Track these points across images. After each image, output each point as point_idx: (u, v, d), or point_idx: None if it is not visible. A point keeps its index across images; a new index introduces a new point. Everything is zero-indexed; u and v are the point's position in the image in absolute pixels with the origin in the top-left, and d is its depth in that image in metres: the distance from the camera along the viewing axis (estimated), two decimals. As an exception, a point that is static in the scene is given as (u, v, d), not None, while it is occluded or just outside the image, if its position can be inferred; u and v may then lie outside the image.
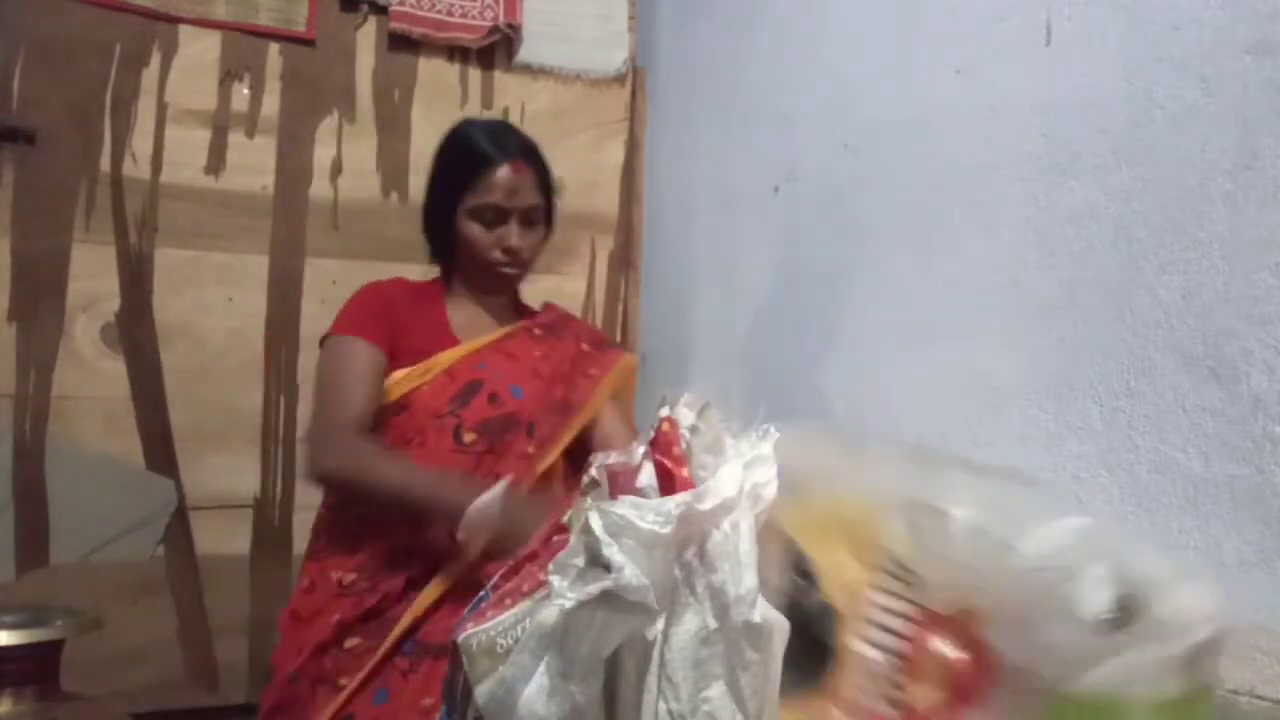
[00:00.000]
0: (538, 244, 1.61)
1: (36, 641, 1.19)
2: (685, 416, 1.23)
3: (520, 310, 1.68)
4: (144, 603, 1.89)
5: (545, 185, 1.60)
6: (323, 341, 1.56)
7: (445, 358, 1.53)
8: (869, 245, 1.66)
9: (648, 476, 1.16)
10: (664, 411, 1.23)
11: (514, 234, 1.55)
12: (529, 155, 1.58)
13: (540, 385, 1.56)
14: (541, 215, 1.60)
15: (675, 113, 2.32)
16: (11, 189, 1.85)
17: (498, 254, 1.56)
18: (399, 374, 1.51)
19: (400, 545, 1.45)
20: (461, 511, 1.35)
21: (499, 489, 1.38)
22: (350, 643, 1.40)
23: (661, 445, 1.19)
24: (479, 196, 1.53)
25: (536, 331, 1.63)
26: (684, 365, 2.19)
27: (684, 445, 1.20)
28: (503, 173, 1.53)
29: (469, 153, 1.55)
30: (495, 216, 1.54)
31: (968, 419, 1.44)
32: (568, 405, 1.57)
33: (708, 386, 1.29)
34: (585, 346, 1.65)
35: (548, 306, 1.72)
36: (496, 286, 1.62)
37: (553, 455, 1.54)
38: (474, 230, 1.55)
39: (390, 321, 1.54)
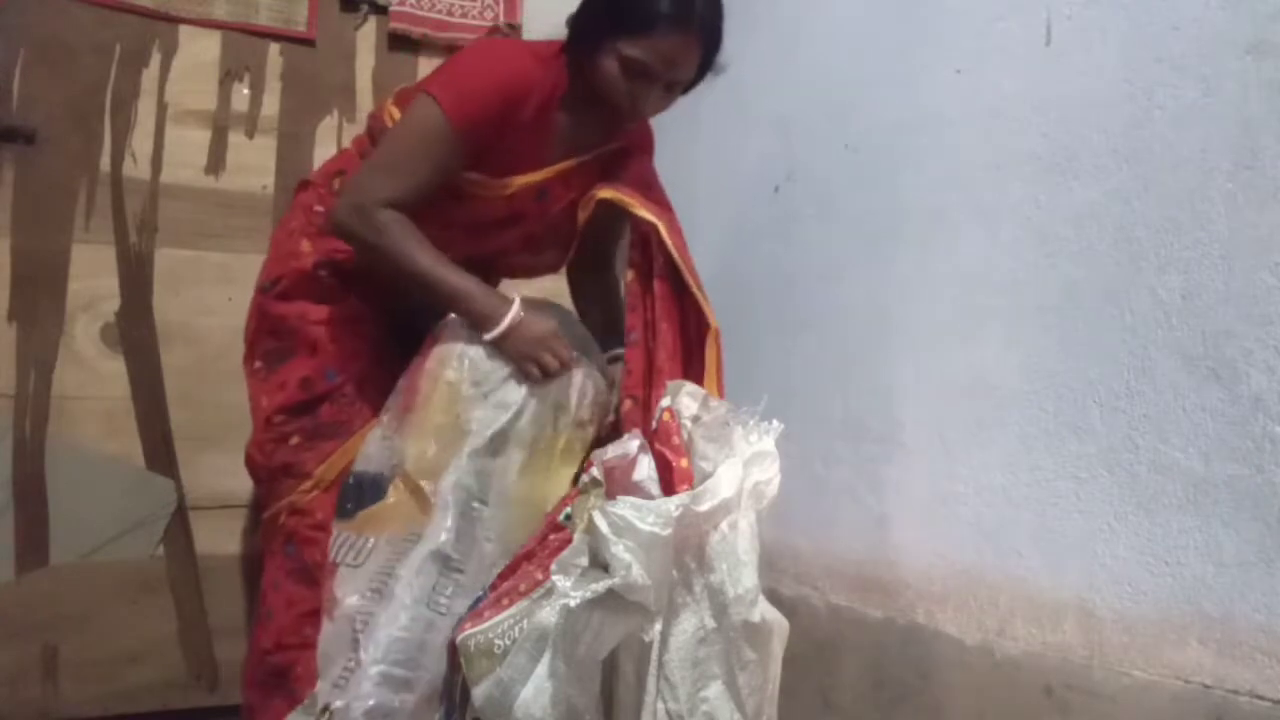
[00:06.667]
0: (668, 106, 1.52)
1: None
2: (687, 406, 1.23)
3: (620, 121, 1.57)
4: (143, 603, 1.89)
5: (707, 64, 1.48)
6: (430, 85, 1.47)
7: (518, 182, 1.50)
8: (869, 245, 1.66)
9: (646, 469, 1.16)
10: (665, 401, 1.23)
11: (651, 100, 1.46)
12: (708, 31, 1.45)
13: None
14: (686, 87, 1.50)
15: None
16: (11, 189, 1.85)
17: (624, 103, 1.46)
18: (472, 175, 1.48)
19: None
20: (492, 316, 1.41)
21: (518, 305, 1.43)
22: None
23: (662, 435, 1.19)
24: (634, 48, 1.41)
25: (610, 151, 1.59)
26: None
27: (685, 435, 1.20)
28: (670, 43, 1.41)
29: (648, 1, 1.40)
30: (641, 73, 1.42)
31: (968, 419, 1.43)
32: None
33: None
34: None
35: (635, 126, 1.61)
36: (601, 115, 1.52)
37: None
38: (612, 70, 1.43)
39: (498, 131, 1.46)
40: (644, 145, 1.70)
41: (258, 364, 1.58)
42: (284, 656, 1.47)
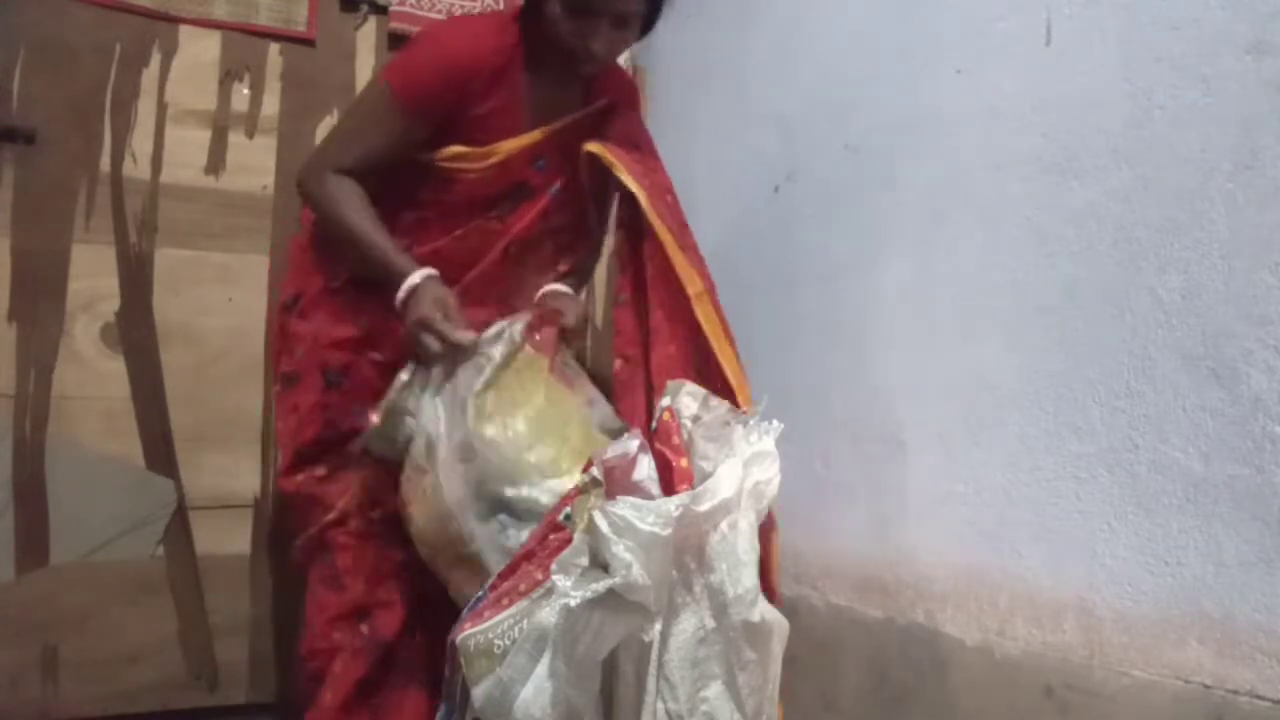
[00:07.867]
0: (624, 46, 1.49)
1: None
2: (687, 406, 1.23)
3: (596, 83, 1.58)
4: (144, 603, 1.89)
5: None
6: (385, 72, 1.51)
7: (504, 148, 1.49)
8: (869, 245, 1.66)
9: (646, 469, 1.16)
10: (665, 401, 1.23)
11: (600, 36, 1.41)
12: None
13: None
14: (637, 20, 1.44)
15: (675, 113, 2.31)
16: (11, 189, 1.85)
17: (575, 45, 1.42)
18: (454, 149, 1.49)
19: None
20: (394, 286, 1.43)
21: (420, 277, 1.43)
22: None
23: (662, 434, 1.19)
24: None
25: (597, 110, 1.58)
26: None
27: (685, 434, 1.20)
28: None
29: None
30: (582, 9, 1.39)
31: (968, 419, 1.43)
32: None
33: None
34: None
35: (606, 77, 1.60)
36: (569, 72, 1.50)
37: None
38: (555, 12, 1.40)
39: (458, 100, 1.45)
40: (630, 101, 1.68)
41: (277, 387, 1.61)
42: (317, 663, 1.52)
